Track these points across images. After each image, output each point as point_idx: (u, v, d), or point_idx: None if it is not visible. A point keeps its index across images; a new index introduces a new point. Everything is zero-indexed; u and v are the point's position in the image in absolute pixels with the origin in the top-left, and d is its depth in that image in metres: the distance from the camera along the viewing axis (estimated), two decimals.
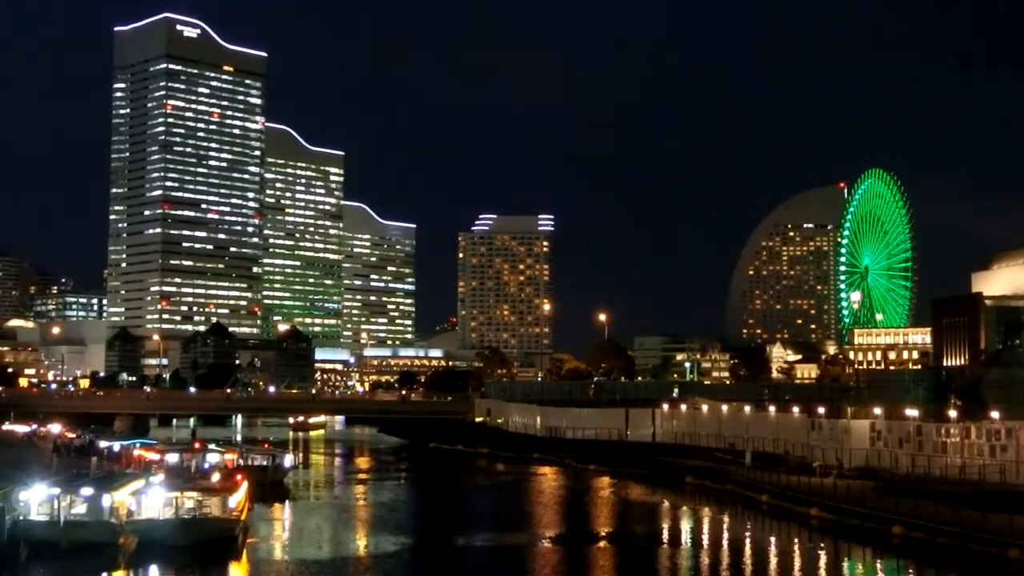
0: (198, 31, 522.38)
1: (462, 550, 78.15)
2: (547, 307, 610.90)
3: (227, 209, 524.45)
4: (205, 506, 72.26)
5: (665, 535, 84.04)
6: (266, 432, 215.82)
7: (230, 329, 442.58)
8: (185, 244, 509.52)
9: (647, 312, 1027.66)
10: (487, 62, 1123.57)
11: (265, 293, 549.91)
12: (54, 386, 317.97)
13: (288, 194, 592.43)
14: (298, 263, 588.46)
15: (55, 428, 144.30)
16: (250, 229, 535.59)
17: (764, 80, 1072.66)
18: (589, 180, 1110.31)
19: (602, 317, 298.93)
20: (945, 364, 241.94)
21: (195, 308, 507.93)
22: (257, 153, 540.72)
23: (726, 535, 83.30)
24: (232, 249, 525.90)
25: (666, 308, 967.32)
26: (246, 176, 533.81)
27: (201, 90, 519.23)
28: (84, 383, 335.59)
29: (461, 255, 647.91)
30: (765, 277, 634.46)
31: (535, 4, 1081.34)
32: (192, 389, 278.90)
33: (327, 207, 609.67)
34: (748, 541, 79.80)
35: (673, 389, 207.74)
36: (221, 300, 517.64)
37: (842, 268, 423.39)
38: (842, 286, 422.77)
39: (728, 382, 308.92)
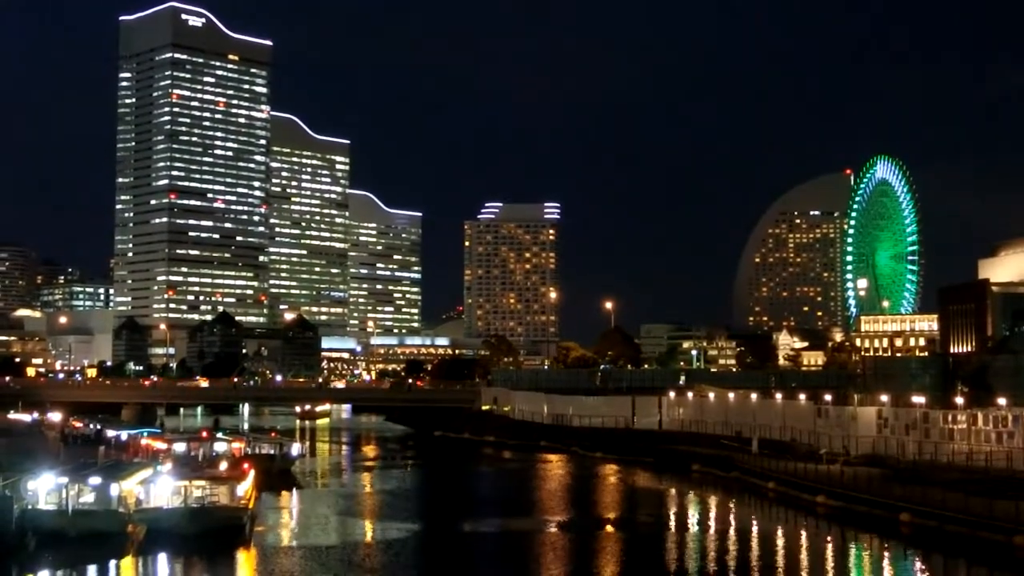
0: (203, 20, 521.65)
1: (469, 536, 78.33)
2: (553, 295, 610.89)
3: (233, 198, 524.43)
4: (213, 495, 72.45)
5: (671, 522, 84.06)
6: (273, 421, 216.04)
7: (237, 318, 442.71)
8: (191, 233, 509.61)
9: (653, 300, 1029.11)
10: (493, 51, 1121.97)
11: (272, 282, 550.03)
12: (61, 376, 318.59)
13: (294, 183, 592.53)
14: (304, 252, 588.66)
15: (55, 416, 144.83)
16: (256, 218, 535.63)
17: (769, 69, 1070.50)
18: (595, 168, 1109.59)
19: (608, 305, 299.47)
20: (952, 351, 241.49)
21: (202, 297, 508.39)
22: (263, 142, 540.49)
23: (733, 522, 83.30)
24: (238, 238, 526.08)
25: (672, 296, 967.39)
26: (252, 165, 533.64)
27: (207, 79, 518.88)
28: (91, 373, 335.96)
29: (467, 243, 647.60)
30: (771, 264, 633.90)
31: None
32: (199, 378, 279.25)
33: (333, 196, 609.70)
34: (755, 528, 79.90)
35: (679, 377, 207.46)
36: (228, 289, 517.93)
37: (848, 255, 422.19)
38: (848, 273, 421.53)
39: (734, 370, 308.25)
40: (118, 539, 66.18)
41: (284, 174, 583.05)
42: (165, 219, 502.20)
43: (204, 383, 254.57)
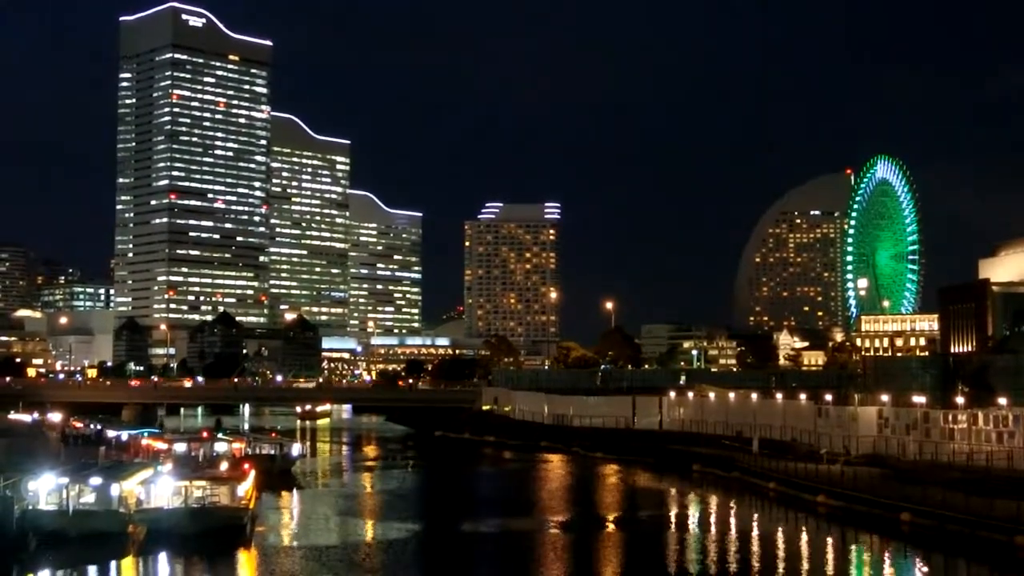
0: (203, 20, 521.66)
1: (469, 536, 78.29)
2: (554, 295, 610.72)
3: (233, 198, 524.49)
4: (213, 495, 72.47)
5: (672, 522, 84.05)
6: (273, 421, 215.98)
7: (237, 318, 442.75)
8: (192, 233, 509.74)
9: (654, 300, 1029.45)
10: (493, 51, 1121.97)
11: (272, 282, 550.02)
12: (61, 376, 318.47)
13: (294, 183, 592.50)
14: (305, 252, 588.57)
15: (56, 417, 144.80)
16: (257, 218, 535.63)
17: (769, 69, 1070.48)
18: (595, 168, 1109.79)
19: (609, 305, 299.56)
20: (952, 351, 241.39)
21: (202, 297, 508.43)
22: (263, 142, 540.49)
23: (733, 522, 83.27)
24: (239, 238, 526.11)
25: (672, 296, 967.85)
26: (252, 165, 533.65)
27: (207, 79, 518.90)
28: (92, 373, 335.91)
29: (468, 244, 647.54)
30: (772, 264, 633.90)
31: None
32: (200, 378, 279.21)
33: (333, 196, 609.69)
34: (755, 528, 79.87)
35: (680, 377, 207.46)
36: (228, 289, 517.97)
37: (849, 255, 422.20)
38: (849, 273, 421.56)
39: (735, 369, 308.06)
40: (119, 539, 66.18)
41: (284, 174, 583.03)
42: (165, 219, 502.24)
43: (188, 383, 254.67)
